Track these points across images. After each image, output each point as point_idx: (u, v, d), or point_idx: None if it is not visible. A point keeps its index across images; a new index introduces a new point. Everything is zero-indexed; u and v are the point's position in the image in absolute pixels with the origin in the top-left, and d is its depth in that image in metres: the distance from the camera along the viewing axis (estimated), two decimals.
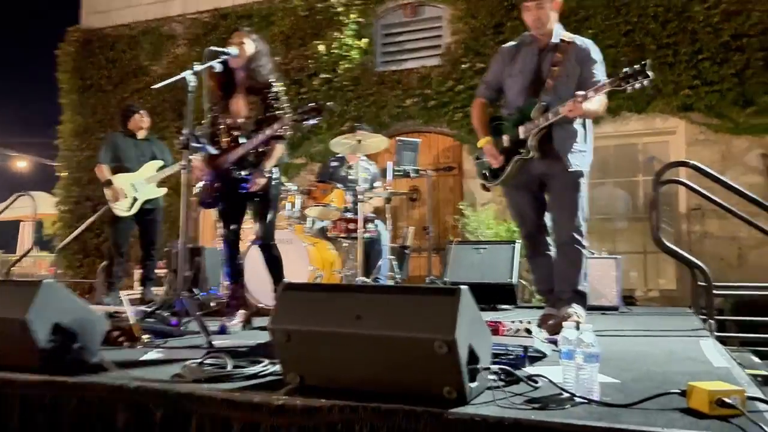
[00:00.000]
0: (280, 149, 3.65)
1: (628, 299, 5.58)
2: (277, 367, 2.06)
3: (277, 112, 3.60)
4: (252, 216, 3.73)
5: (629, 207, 6.71)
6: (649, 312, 4.83)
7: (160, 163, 5.60)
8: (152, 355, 2.65)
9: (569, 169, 3.12)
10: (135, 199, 5.46)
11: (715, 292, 3.62)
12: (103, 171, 5.49)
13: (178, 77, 3.19)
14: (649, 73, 2.82)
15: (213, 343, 2.91)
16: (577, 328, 1.87)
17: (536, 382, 1.94)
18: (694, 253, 5.96)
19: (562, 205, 3.16)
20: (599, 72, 3.17)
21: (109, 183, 5.44)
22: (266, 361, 2.19)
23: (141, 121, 5.65)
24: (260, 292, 4.55)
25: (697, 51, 5.98)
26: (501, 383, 1.91)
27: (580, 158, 3.18)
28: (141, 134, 5.66)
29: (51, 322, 2.28)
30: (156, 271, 6.48)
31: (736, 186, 3.85)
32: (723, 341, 3.83)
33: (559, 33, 3.24)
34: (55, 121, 8.79)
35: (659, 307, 5.41)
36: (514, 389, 1.87)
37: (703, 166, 3.75)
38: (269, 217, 3.69)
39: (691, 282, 5.04)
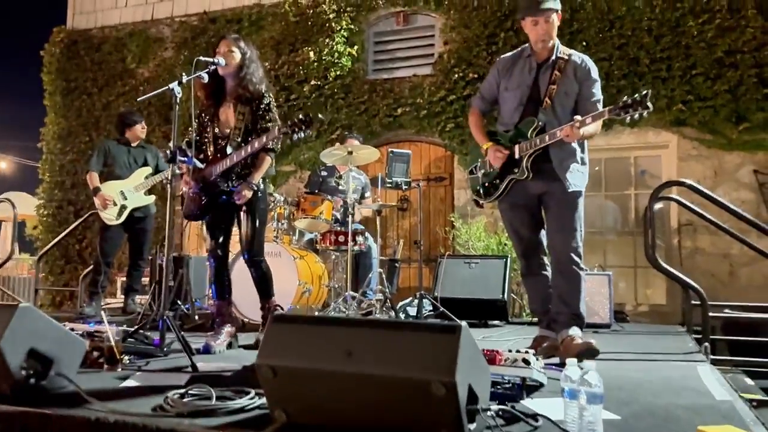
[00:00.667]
0: (268, 161, 3.55)
1: (619, 314, 5.54)
2: (264, 400, 1.96)
3: (268, 124, 3.50)
4: (239, 230, 3.62)
5: (620, 220, 6.67)
6: (641, 331, 4.79)
7: (148, 170, 5.53)
8: (133, 380, 2.53)
9: (569, 190, 3.05)
10: (123, 207, 5.40)
11: (711, 314, 3.55)
12: (93, 178, 5.42)
13: (164, 89, 3.07)
14: (649, 104, 2.76)
15: (197, 365, 2.79)
16: (580, 367, 1.79)
17: (537, 420, 1.86)
18: (684, 268, 5.95)
19: (561, 226, 3.09)
20: (598, 91, 3.12)
21: (97, 190, 5.37)
22: (253, 392, 2.09)
23: (141, 132, 5.63)
24: (247, 306, 4.44)
25: (690, 66, 5.96)
26: (500, 422, 1.83)
27: (579, 178, 3.12)
28: (135, 142, 5.62)
29: (26, 347, 2.17)
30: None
31: (730, 205, 3.81)
32: (721, 362, 3.79)
33: (558, 48, 3.17)
34: (40, 123, 8.62)
35: (651, 325, 5.36)
36: (513, 428, 1.79)
37: (700, 186, 3.70)
38: (257, 230, 3.58)
39: (683, 300, 5.01)
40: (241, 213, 3.54)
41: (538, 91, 3.16)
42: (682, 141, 6.09)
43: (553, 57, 3.15)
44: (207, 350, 3.32)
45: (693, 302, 4.15)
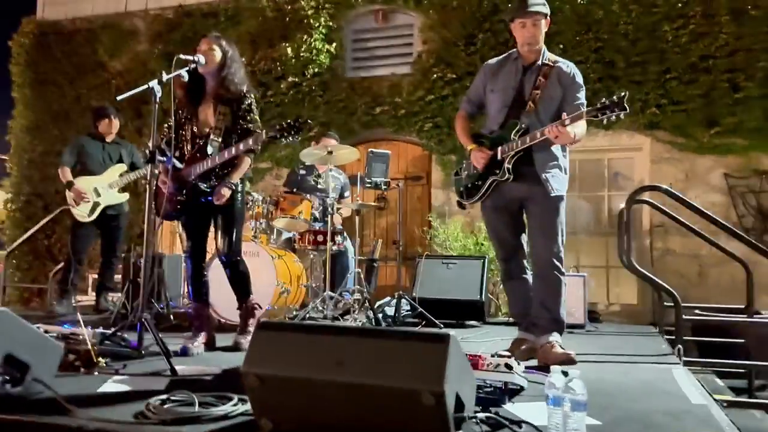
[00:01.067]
0: (247, 162, 3.52)
1: (592, 314, 5.63)
2: (248, 406, 1.94)
3: (249, 125, 3.46)
4: (216, 230, 3.57)
5: (593, 221, 6.77)
6: (615, 331, 4.87)
7: (123, 167, 5.46)
8: (111, 385, 2.49)
9: (551, 194, 3.07)
10: (96, 204, 5.32)
11: (684, 317, 3.63)
12: (65, 173, 5.33)
13: (144, 87, 3.01)
14: (626, 106, 2.83)
15: (176, 368, 2.76)
16: (565, 374, 1.81)
17: (521, 426, 1.89)
18: (655, 269, 6.07)
19: (543, 231, 3.12)
20: (582, 96, 3.16)
21: (70, 185, 5.29)
22: (236, 398, 2.07)
23: (110, 126, 5.51)
24: (223, 306, 4.39)
25: (665, 70, 6.06)
26: (486, 428, 1.85)
27: (561, 182, 3.15)
28: (110, 138, 5.53)
29: (2, 353, 2.12)
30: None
31: (703, 209, 3.90)
32: (692, 364, 3.88)
33: (545, 53, 3.20)
34: (7, 115, 8.40)
35: (624, 325, 5.45)
36: None
37: (674, 191, 3.77)
38: (234, 231, 3.54)
39: (655, 300, 5.12)
40: (218, 213, 3.50)
41: (522, 94, 3.19)
42: (655, 144, 6.20)
43: (540, 62, 3.18)
44: (185, 352, 3.28)
45: (666, 304, 4.24)
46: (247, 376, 1.77)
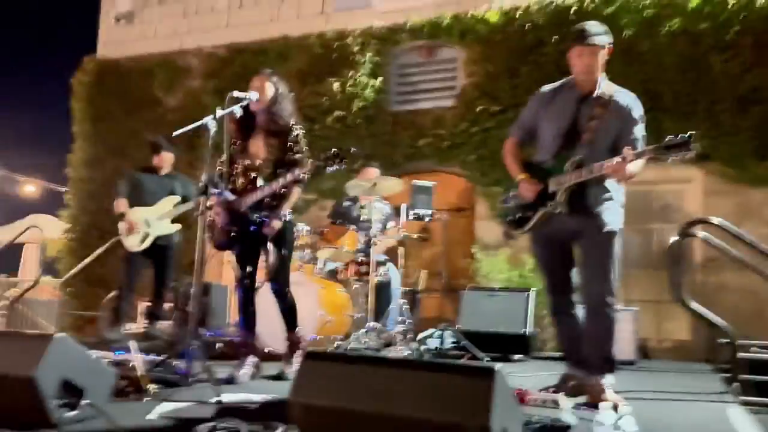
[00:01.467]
0: (297, 193, 3.61)
1: (643, 350, 5.47)
2: None
3: (296, 156, 3.56)
4: (266, 261, 3.65)
5: (642, 253, 6.60)
6: (666, 368, 4.72)
7: (176, 198, 5.56)
8: (160, 410, 2.55)
9: (604, 230, 3.02)
10: (147, 235, 5.42)
11: (740, 355, 3.50)
12: (120, 204, 5.51)
13: (199, 123, 3.14)
14: (692, 146, 2.70)
15: (222, 395, 2.81)
16: (615, 410, 1.78)
17: None
18: (708, 305, 5.86)
19: (595, 266, 3.04)
20: (639, 131, 3.04)
21: (122, 216, 5.45)
22: (283, 427, 2.09)
23: (161, 159, 5.67)
24: (269, 335, 4.44)
25: (714, 101, 5.95)
26: None
27: (615, 217, 3.07)
28: (164, 170, 5.69)
29: (60, 378, 2.20)
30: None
31: (757, 243, 3.78)
32: (749, 403, 3.72)
33: (602, 84, 3.11)
34: (66, 148, 8.79)
35: (675, 362, 5.28)
36: None
37: (729, 225, 3.68)
38: (284, 261, 3.62)
39: (708, 336, 4.95)
40: (269, 244, 3.59)
41: (577, 124, 3.09)
42: (707, 176, 6.05)
43: (597, 92, 3.07)
44: (232, 380, 3.34)
45: (721, 340, 4.09)
46: (294, 406, 1.80)
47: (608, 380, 2.95)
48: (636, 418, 2.64)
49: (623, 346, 4.63)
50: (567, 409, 2.27)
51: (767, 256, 3.61)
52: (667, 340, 6.26)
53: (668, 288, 4.33)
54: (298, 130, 3.63)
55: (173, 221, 5.58)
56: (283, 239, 3.59)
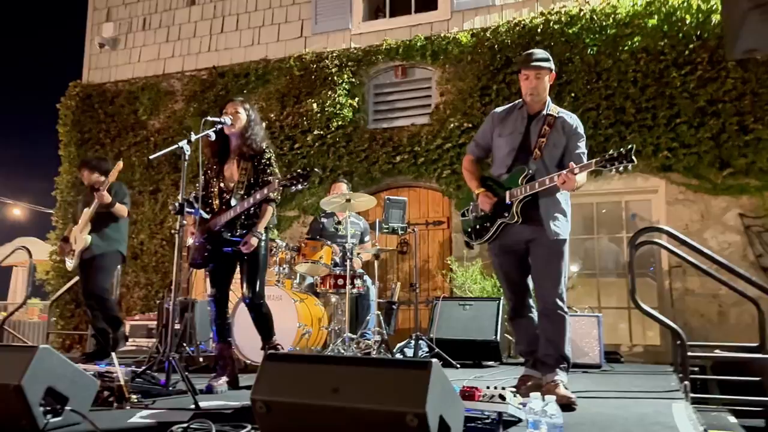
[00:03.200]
0: (270, 211, 3.81)
1: (614, 355, 5.68)
2: None
3: (268, 177, 3.77)
4: (241, 276, 3.85)
5: (616, 262, 6.85)
6: (630, 371, 4.93)
7: (92, 208, 5.17)
8: (140, 417, 2.73)
9: (554, 238, 3.26)
10: (72, 252, 5.24)
11: (690, 354, 3.72)
12: (68, 230, 5.44)
13: (174, 147, 3.35)
14: (633, 159, 2.99)
15: (200, 404, 2.99)
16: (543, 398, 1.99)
17: None
18: (675, 310, 6.11)
19: (547, 273, 3.28)
20: (583, 146, 3.36)
21: (65, 240, 5.36)
22: (249, 427, 2.28)
23: (88, 178, 5.39)
24: (248, 348, 4.64)
25: (674, 115, 6.23)
26: None
27: (564, 227, 3.32)
28: (95, 186, 5.29)
29: (44, 386, 2.38)
30: (147, 322, 6.53)
31: (704, 249, 4.02)
32: (705, 401, 3.92)
33: (549, 105, 3.43)
34: (54, 171, 8.97)
35: (642, 365, 5.49)
36: None
37: (675, 232, 3.91)
38: (258, 277, 3.81)
39: (672, 340, 5.17)
40: (243, 261, 3.79)
41: (528, 141, 3.39)
42: (670, 186, 6.32)
43: (544, 112, 3.41)
44: (210, 390, 3.52)
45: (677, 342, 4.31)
46: (256, 403, 2.00)
47: (561, 377, 3.17)
48: (584, 412, 2.86)
49: (588, 350, 4.85)
50: (513, 403, 2.46)
51: (714, 262, 3.84)
52: (639, 346, 6.49)
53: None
54: (270, 153, 3.85)
55: (89, 232, 5.19)
56: (257, 256, 3.78)
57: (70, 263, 5.27)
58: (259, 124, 3.87)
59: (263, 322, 3.86)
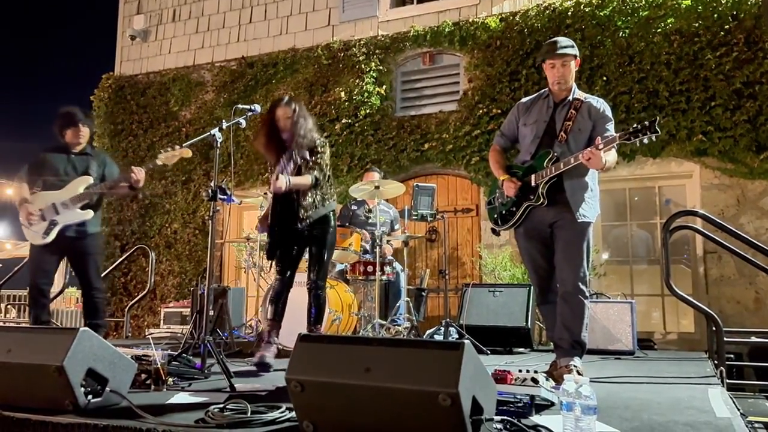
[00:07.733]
0: (308, 178, 3.87)
1: (647, 342, 5.61)
2: (294, 413, 2.18)
3: (317, 159, 3.92)
4: (309, 258, 4.00)
5: (649, 248, 6.75)
6: (664, 357, 4.86)
7: (88, 180, 4.51)
8: (177, 398, 2.80)
9: (579, 220, 3.24)
10: (53, 223, 4.40)
11: (726, 339, 3.66)
12: (22, 188, 4.52)
13: (206, 135, 3.40)
14: (658, 129, 2.97)
15: (235, 386, 3.04)
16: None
17: (537, 431, 2.05)
18: (710, 296, 6.00)
19: (569, 255, 3.26)
20: (611, 129, 3.32)
21: (23, 201, 4.44)
22: (284, 407, 2.32)
23: (76, 135, 4.57)
24: (283, 333, 4.68)
25: (709, 98, 6.09)
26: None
27: (590, 209, 3.30)
28: (78, 148, 4.60)
29: (85, 367, 2.45)
30: (181, 309, 6.66)
31: (739, 233, 3.94)
32: (741, 388, 3.87)
33: (575, 90, 3.42)
34: None
35: (676, 352, 5.41)
36: None
37: (711, 216, 3.84)
38: (324, 260, 3.96)
39: (707, 327, 5.09)
40: (312, 242, 3.94)
41: (554, 126, 3.39)
42: (705, 170, 6.19)
43: (570, 97, 3.40)
44: (262, 360, 3.62)
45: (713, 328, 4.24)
46: (290, 383, 2.03)
47: (576, 362, 3.16)
48: (617, 397, 2.84)
49: (621, 336, 4.80)
50: (546, 387, 2.46)
51: (750, 245, 3.76)
52: (673, 333, 6.40)
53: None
54: (321, 147, 3.98)
55: (84, 207, 4.48)
56: (325, 240, 3.93)
57: (35, 234, 4.40)
58: (306, 116, 3.98)
59: (319, 306, 3.98)
